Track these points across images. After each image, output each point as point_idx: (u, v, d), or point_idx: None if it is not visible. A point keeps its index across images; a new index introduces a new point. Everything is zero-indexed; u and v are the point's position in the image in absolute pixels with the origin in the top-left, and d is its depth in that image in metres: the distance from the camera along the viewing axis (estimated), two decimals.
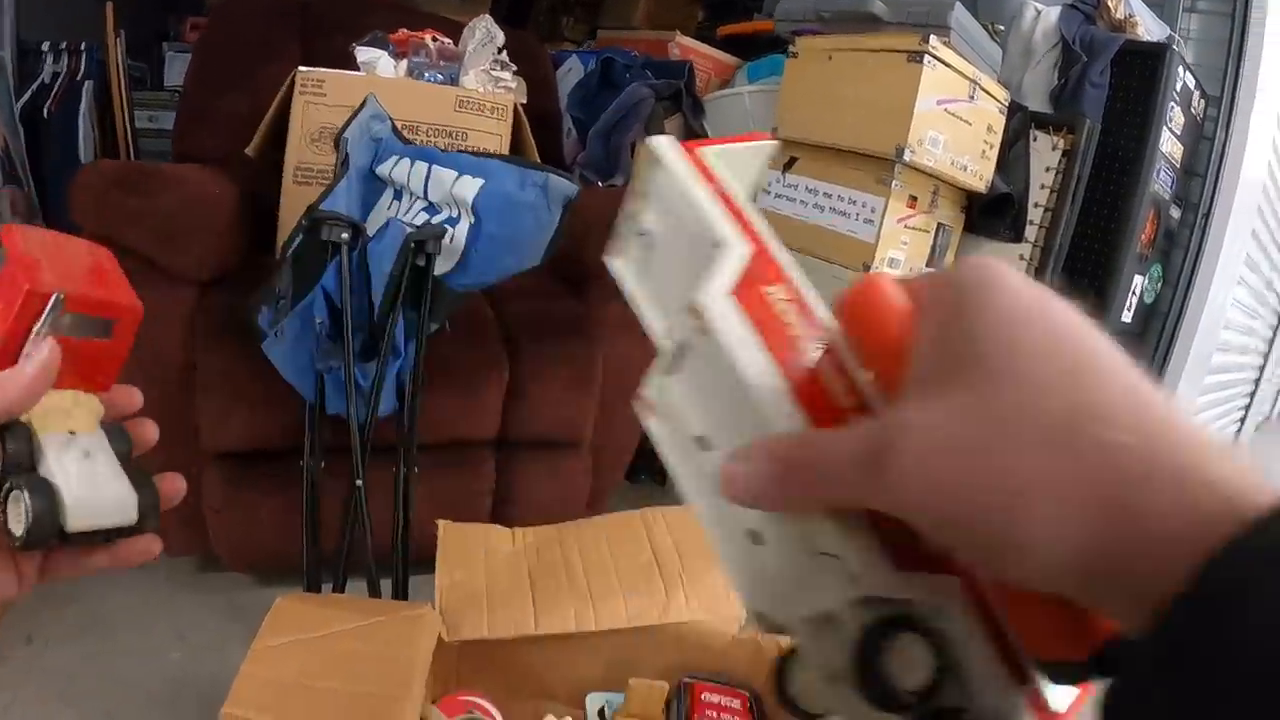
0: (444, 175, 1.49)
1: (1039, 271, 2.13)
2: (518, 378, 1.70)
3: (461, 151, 1.58)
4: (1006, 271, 0.28)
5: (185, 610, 1.76)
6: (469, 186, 1.44)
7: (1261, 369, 3.91)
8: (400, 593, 1.55)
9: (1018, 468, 0.25)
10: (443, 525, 1.36)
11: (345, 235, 1.32)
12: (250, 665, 1.04)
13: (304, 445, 1.47)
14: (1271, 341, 3.87)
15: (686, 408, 0.35)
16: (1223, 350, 3.09)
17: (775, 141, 0.43)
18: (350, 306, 1.31)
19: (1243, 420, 4.05)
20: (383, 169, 1.61)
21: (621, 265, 0.41)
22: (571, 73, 2.64)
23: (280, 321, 1.40)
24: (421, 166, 1.55)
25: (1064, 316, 0.27)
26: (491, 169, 1.45)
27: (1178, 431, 0.25)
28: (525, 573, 1.31)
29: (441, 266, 1.40)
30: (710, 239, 0.35)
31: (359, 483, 1.40)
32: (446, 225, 1.44)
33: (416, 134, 1.75)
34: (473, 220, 1.43)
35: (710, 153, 0.39)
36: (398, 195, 1.63)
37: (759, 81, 2.29)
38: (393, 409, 1.45)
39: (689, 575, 1.35)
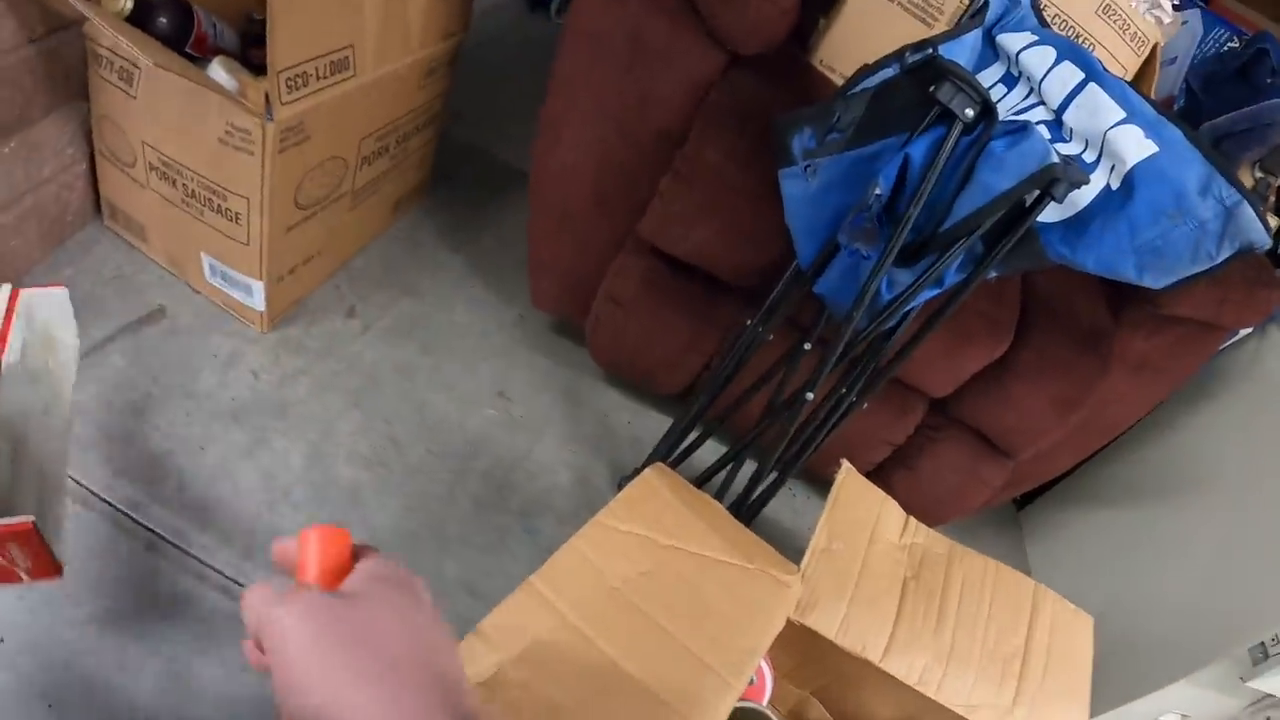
0: (1102, 104, 1.14)
1: None
2: (1008, 361, 1.41)
3: (1132, 88, 1.21)
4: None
5: (520, 368, 1.66)
6: (1135, 143, 1.08)
7: None
8: (760, 504, 1.36)
9: None
10: (845, 469, 1.16)
11: (970, 112, 1.02)
12: (585, 542, 0.89)
13: (761, 296, 1.24)
14: None
15: None
16: None
17: None
18: (926, 197, 1.03)
19: None
20: (1008, 40, 1.26)
21: None
22: (1187, 27, 2.15)
23: (819, 158, 1.14)
24: (1068, 70, 1.21)
25: None
26: (1175, 142, 1.09)
27: None
28: (900, 583, 1.12)
29: (1047, 215, 1.09)
30: None
31: (809, 395, 1.17)
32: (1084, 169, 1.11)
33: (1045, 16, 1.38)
34: (1117, 186, 1.10)
35: None
36: (1008, 82, 1.30)
37: None
38: (892, 332, 1.19)
39: (1042, 694, 1.12)
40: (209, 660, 1.07)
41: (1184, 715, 1.95)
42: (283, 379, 1.40)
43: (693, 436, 1.45)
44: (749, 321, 1.25)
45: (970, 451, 1.57)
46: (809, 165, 1.16)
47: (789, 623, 1.02)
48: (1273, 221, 1.77)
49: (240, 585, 1.15)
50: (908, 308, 1.11)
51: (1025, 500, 2.24)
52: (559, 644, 0.80)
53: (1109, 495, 2.06)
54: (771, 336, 1.25)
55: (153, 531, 1.15)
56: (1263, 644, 1.62)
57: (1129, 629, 1.84)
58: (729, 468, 1.36)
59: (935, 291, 1.10)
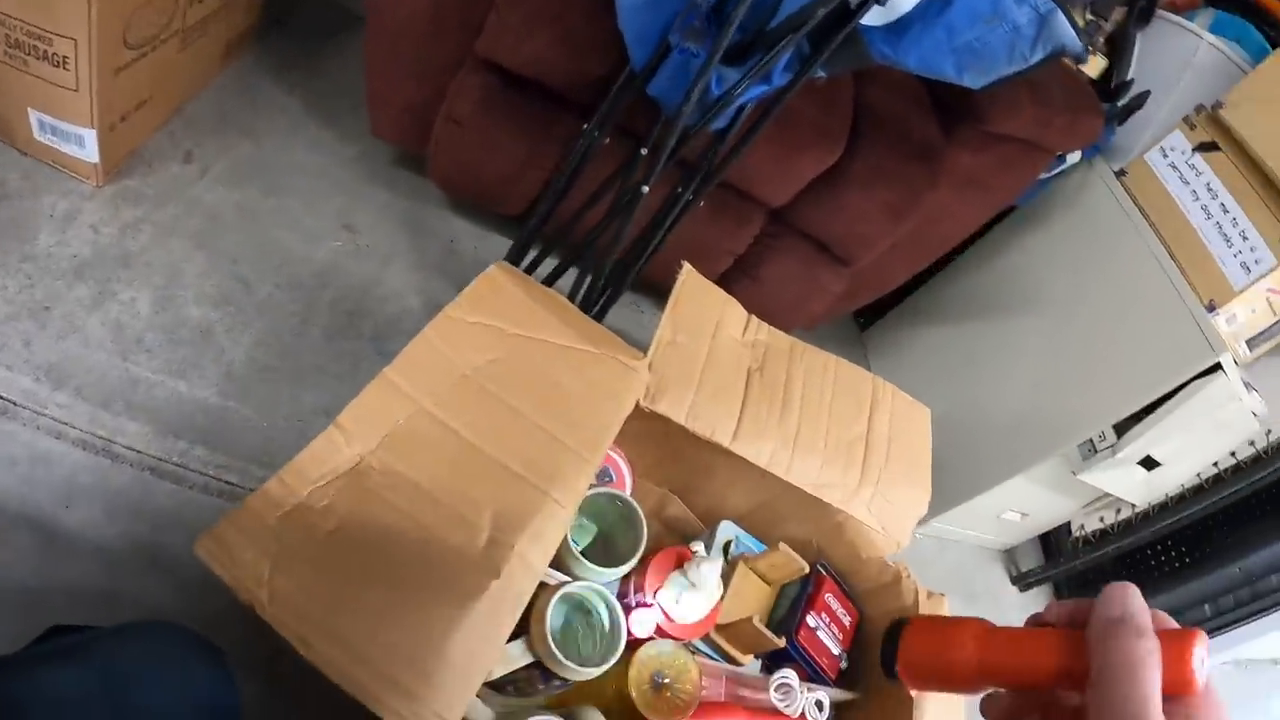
0: None
1: None
2: (841, 166, 1.47)
3: None
4: None
5: (364, 200, 1.65)
6: None
7: None
8: (604, 309, 1.40)
9: None
10: (686, 270, 1.20)
11: None
12: (435, 333, 0.91)
13: (596, 109, 1.26)
14: None
15: None
16: None
17: None
18: None
19: None
20: None
21: None
22: None
23: None
24: None
25: None
26: None
27: None
28: (745, 374, 1.16)
29: (870, 19, 1.13)
30: None
31: (645, 189, 1.20)
32: None
33: None
34: None
35: None
36: None
37: (1221, 38, 1.90)
38: (718, 128, 1.23)
39: (886, 476, 1.20)
40: (75, 514, 1.08)
41: (1023, 513, 2.11)
42: (123, 230, 1.36)
43: (536, 252, 1.47)
44: (585, 127, 1.27)
45: (808, 259, 1.64)
46: None
47: (642, 417, 1.06)
48: (1099, 62, 1.86)
49: (101, 438, 1.15)
50: (737, 103, 1.15)
51: (869, 321, 2.37)
52: (416, 431, 0.83)
53: (945, 314, 2.19)
54: (607, 139, 1.27)
55: (3, 398, 1.13)
56: (1091, 441, 1.77)
57: (967, 434, 1.98)
58: (580, 278, 1.40)
59: (763, 89, 1.14)
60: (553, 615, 0.86)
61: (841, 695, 1.13)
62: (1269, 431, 1.92)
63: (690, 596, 1.02)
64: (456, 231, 1.71)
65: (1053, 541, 2.38)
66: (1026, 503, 2.08)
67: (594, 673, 0.86)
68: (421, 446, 0.82)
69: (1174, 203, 1.75)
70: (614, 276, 1.35)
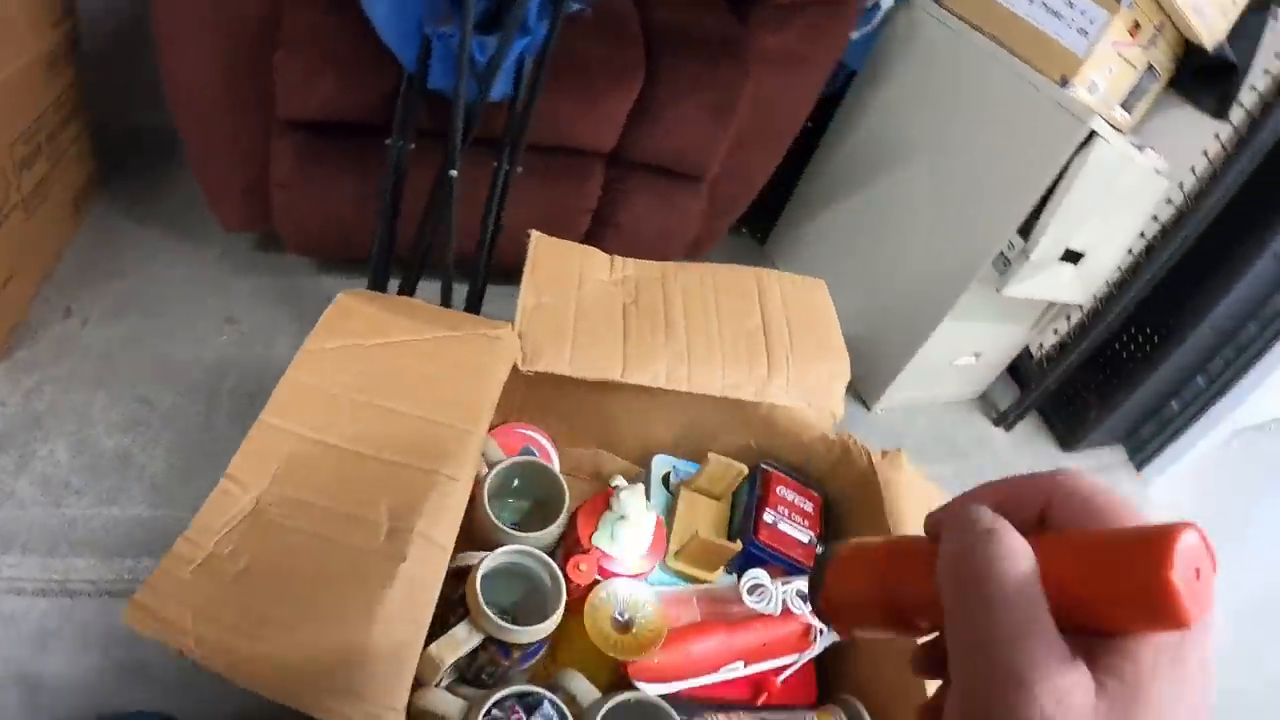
0: None
1: (1230, 159, 1.89)
2: (651, 92, 1.51)
3: None
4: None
5: (237, 292, 1.70)
6: None
7: None
8: (475, 305, 1.43)
9: None
10: (535, 236, 1.24)
11: None
12: (298, 370, 0.94)
13: (394, 122, 1.31)
14: None
15: None
16: None
17: None
18: None
19: None
20: None
21: None
22: None
23: None
24: None
25: None
26: None
27: None
28: (620, 310, 1.20)
29: None
30: None
31: (453, 173, 1.24)
32: None
33: None
34: None
35: None
36: None
37: None
38: (506, 94, 1.26)
39: (796, 356, 1.23)
40: (53, 657, 1.13)
41: (976, 354, 2.14)
42: (27, 396, 1.40)
43: (401, 277, 1.52)
44: (387, 142, 1.31)
45: (660, 188, 1.69)
46: None
47: (543, 386, 1.10)
48: None
49: (56, 581, 1.19)
50: (509, 65, 1.19)
51: (764, 234, 2.42)
52: (300, 458, 0.87)
53: (829, 197, 2.23)
54: (413, 145, 1.32)
55: None
56: (1001, 254, 1.79)
57: (888, 298, 2.02)
58: (445, 284, 1.43)
59: (527, 41, 1.17)
60: (486, 588, 0.89)
61: None
62: (1181, 184, 1.96)
63: (625, 530, 1.04)
64: (330, 288, 1.73)
65: (1021, 372, 2.41)
66: (972, 342, 2.12)
67: (541, 630, 0.88)
68: (308, 471, 0.86)
69: (993, 2, 1.80)
70: (474, 271, 1.39)
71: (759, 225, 2.42)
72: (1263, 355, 2.25)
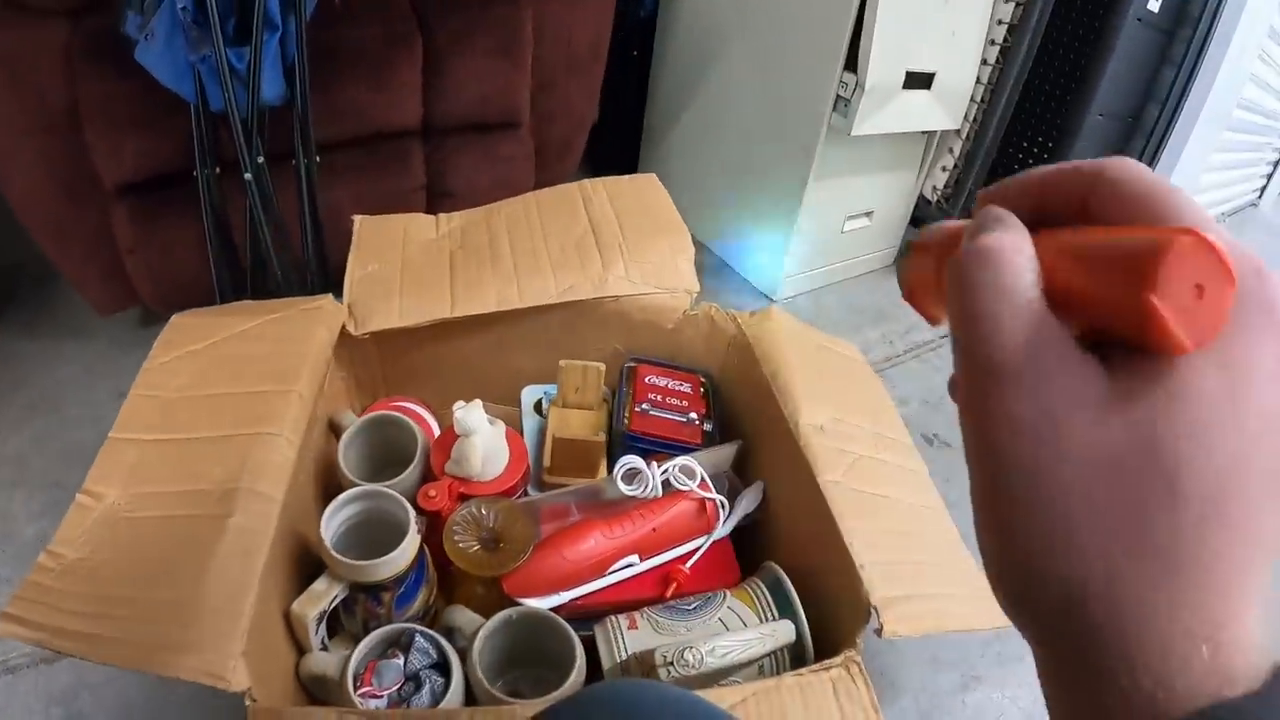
0: None
1: None
2: (433, 52, 1.53)
3: None
4: None
5: (126, 368, 1.69)
6: None
7: None
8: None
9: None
10: (359, 220, 1.28)
11: None
12: (138, 388, 0.99)
13: (195, 153, 1.35)
14: None
15: None
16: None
17: None
18: None
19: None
20: None
21: None
22: None
23: (149, 22, 1.24)
24: None
25: None
26: None
27: None
28: (447, 258, 1.23)
29: None
30: None
31: (248, 176, 1.29)
32: None
33: None
34: None
35: None
36: None
37: None
38: (282, 94, 1.31)
39: (631, 245, 1.26)
40: None
41: (865, 213, 2.14)
42: None
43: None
44: (194, 173, 1.36)
45: (480, 145, 1.71)
46: (146, 34, 1.25)
47: (399, 355, 1.17)
48: None
49: None
50: (271, 61, 1.23)
51: (628, 167, 2.44)
52: (143, 460, 0.91)
53: (675, 115, 2.27)
54: (219, 170, 1.36)
55: None
56: (838, 97, 1.79)
57: (751, 182, 2.06)
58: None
59: (279, 34, 1.22)
60: (349, 542, 0.94)
61: (720, 451, 1.16)
62: None
63: (469, 446, 1.03)
64: None
65: (926, 221, 2.36)
66: (855, 201, 2.13)
67: (393, 562, 0.90)
68: (151, 467, 0.91)
69: None
70: (304, 270, 1.42)
71: (625, 165, 2.43)
72: (1166, 141, 2.25)
